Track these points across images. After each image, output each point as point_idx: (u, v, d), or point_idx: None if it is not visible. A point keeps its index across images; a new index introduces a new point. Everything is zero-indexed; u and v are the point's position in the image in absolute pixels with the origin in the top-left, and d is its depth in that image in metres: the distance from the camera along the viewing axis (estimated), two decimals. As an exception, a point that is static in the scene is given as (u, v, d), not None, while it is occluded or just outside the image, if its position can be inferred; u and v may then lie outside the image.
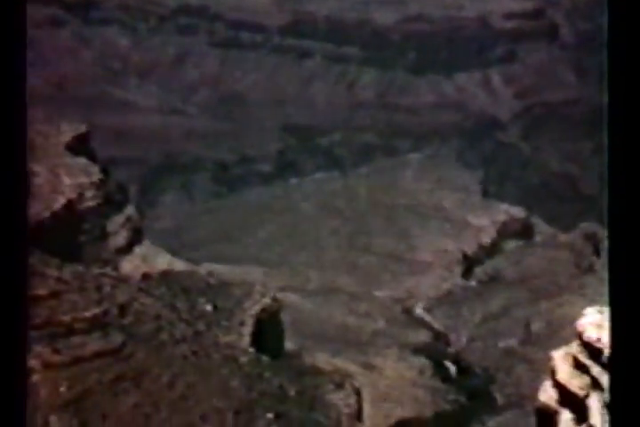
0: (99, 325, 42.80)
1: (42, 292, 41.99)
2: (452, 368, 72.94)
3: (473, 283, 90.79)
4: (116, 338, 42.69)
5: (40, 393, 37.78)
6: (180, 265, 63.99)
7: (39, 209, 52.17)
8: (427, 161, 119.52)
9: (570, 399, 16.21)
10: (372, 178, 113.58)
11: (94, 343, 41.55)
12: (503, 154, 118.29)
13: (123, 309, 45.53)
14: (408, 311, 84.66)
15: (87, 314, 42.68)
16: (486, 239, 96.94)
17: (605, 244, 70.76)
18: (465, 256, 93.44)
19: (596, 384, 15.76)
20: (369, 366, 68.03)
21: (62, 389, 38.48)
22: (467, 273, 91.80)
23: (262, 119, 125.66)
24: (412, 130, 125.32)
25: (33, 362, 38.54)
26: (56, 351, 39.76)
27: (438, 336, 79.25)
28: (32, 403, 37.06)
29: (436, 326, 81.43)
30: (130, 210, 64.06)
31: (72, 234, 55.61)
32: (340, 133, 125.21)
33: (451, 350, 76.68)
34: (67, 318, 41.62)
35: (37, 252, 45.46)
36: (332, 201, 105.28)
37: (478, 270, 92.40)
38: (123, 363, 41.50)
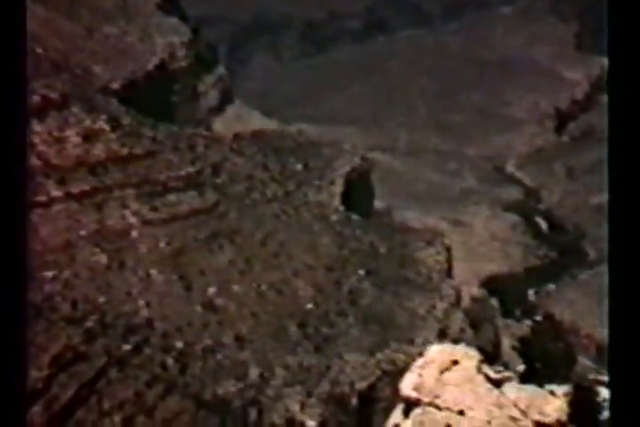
0: (193, 183, 43.75)
1: (138, 151, 42.93)
2: (544, 224, 72.96)
3: (566, 138, 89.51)
4: (210, 197, 43.69)
5: (140, 248, 39.25)
6: (270, 125, 64.32)
7: (133, 69, 52.59)
8: (519, 14, 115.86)
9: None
10: (462, 34, 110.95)
11: (189, 201, 42.63)
12: (600, 5, 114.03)
13: (216, 168, 46.35)
14: (499, 169, 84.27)
15: (182, 173, 43.62)
16: (580, 94, 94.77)
17: None
18: (558, 111, 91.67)
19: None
20: (459, 224, 68.44)
21: (161, 244, 39.86)
22: (559, 129, 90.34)
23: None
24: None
25: (132, 219, 39.92)
26: (154, 209, 40.99)
27: (529, 193, 78.94)
28: (134, 257, 38.66)
29: (528, 182, 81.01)
30: (220, 70, 64.11)
31: (165, 94, 56.15)
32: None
33: (542, 206, 76.48)
34: (162, 177, 42.63)
35: (132, 112, 46.24)
36: (421, 59, 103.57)
37: (571, 126, 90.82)
38: (217, 221, 42.59)
